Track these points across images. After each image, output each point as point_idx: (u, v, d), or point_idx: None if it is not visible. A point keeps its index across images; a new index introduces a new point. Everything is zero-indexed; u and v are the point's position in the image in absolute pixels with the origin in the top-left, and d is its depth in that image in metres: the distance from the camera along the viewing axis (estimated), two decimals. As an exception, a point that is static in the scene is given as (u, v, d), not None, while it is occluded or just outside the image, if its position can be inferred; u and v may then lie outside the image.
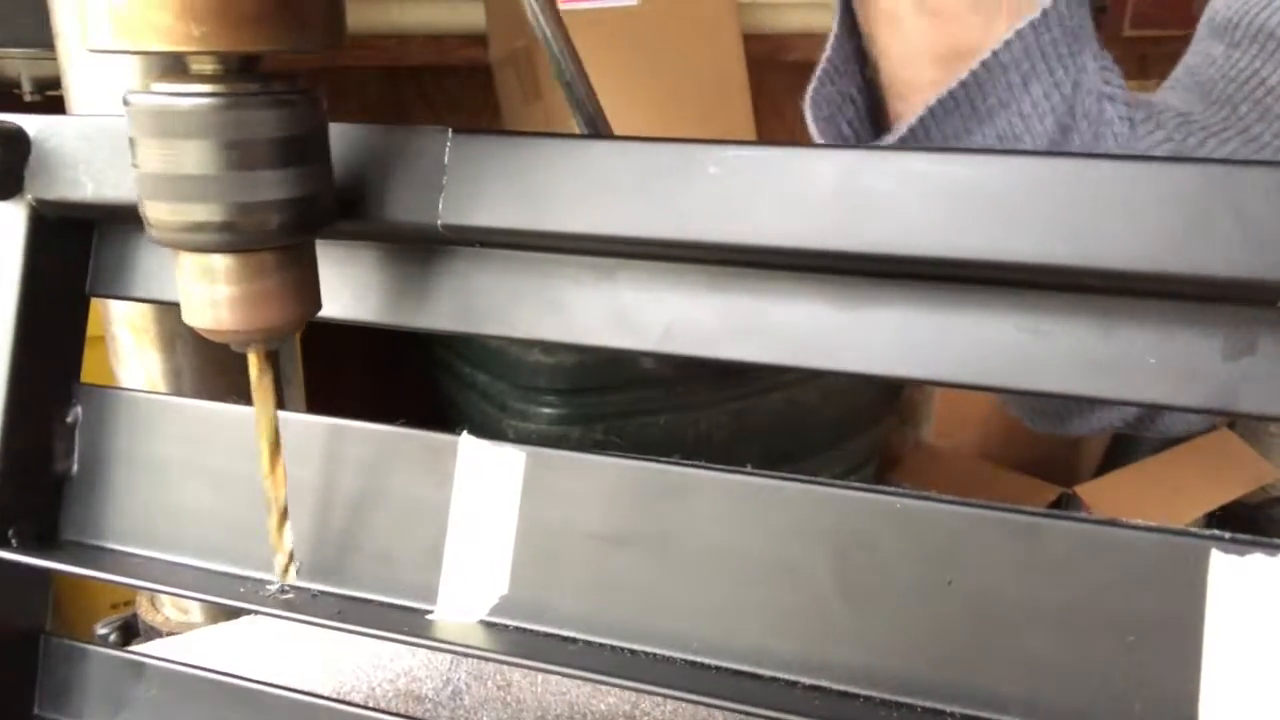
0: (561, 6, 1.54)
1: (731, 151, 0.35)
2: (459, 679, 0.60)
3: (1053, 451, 2.18)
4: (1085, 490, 1.95)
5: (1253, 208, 0.29)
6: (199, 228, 0.35)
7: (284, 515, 0.42)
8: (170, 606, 0.90)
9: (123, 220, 0.46)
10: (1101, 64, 0.55)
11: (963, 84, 0.51)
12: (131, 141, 0.35)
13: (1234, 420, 2.13)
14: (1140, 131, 0.58)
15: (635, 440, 1.45)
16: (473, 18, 1.73)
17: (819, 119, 0.57)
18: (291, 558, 0.43)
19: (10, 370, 0.46)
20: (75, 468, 0.49)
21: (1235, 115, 0.59)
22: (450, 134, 0.38)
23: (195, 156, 0.34)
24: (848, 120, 0.58)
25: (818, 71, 0.57)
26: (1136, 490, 1.96)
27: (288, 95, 0.35)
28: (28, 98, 1.24)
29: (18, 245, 0.46)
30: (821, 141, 0.57)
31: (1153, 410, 0.65)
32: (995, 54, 0.50)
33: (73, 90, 0.76)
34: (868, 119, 0.59)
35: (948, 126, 0.52)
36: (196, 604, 0.87)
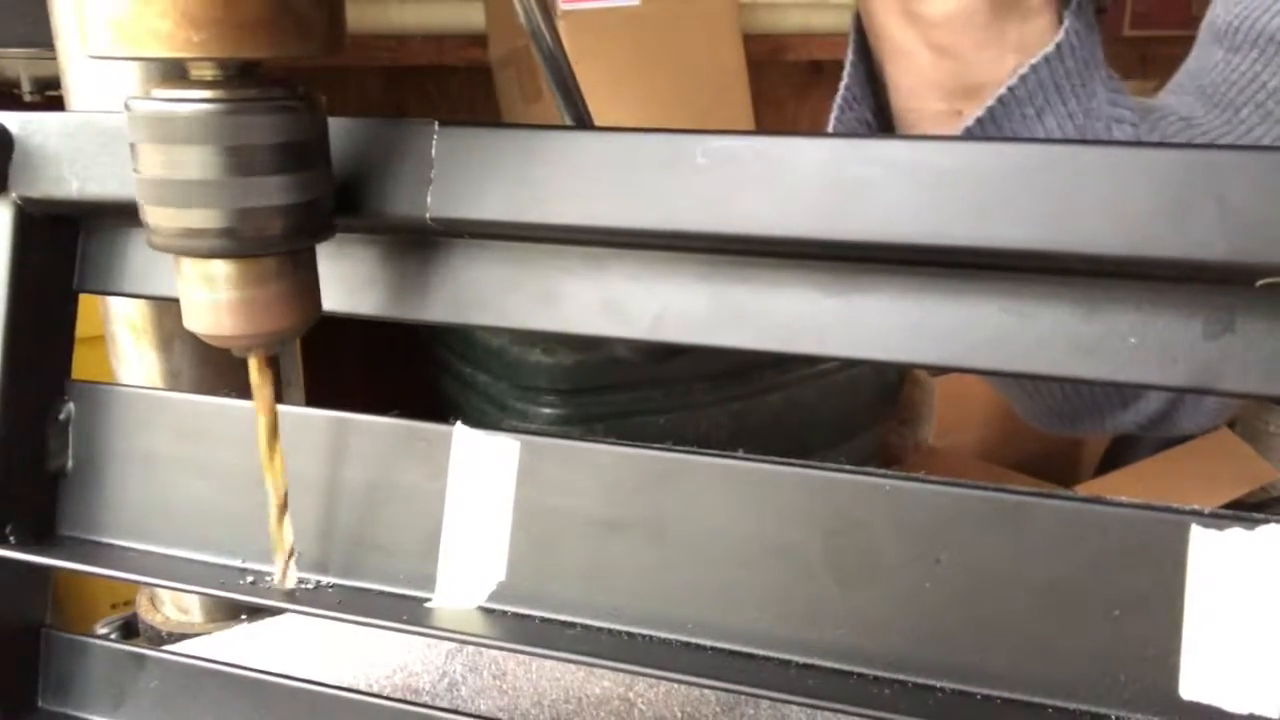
0: (562, 6, 1.56)
1: (719, 141, 0.35)
2: (455, 671, 0.61)
3: (1053, 452, 2.18)
4: (1085, 490, 1.95)
5: (1232, 191, 0.30)
6: (200, 233, 0.35)
7: (283, 509, 0.43)
8: (170, 606, 0.90)
9: (108, 216, 0.47)
10: (1109, 87, 0.55)
11: (979, 120, 0.51)
12: (132, 147, 0.35)
13: (1234, 420, 2.13)
14: None
15: (635, 441, 1.45)
16: (473, 18, 1.74)
17: None
18: (291, 553, 0.44)
19: (0, 368, 0.46)
20: (70, 464, 0.49)
21: (1237, 119, 0.60)
22: (437, 126, 0.39)
23: (196, 162, 0.34)
24: None
25: (837, 100, 0.58)
26: (1136, 490, 1.96)
27: (288, 101, 0.35)
28: (27, 98, 1.25)
29: (4, 243, 0.46)
30: None
31: (1165, 413, 0.65)
32: (1011, 89, 0.50)
33: (72, 90, 0.76)
34: None
35: None
36: (196, 602, 0.87)
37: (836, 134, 0.54)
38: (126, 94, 0.35)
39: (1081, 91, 0.52)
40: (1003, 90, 0.50)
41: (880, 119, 0.59)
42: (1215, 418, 0.66)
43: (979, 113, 0.51)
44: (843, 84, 0.57)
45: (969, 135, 0.51)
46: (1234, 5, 0.61)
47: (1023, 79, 0.50)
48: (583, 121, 0.49)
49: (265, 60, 0.35)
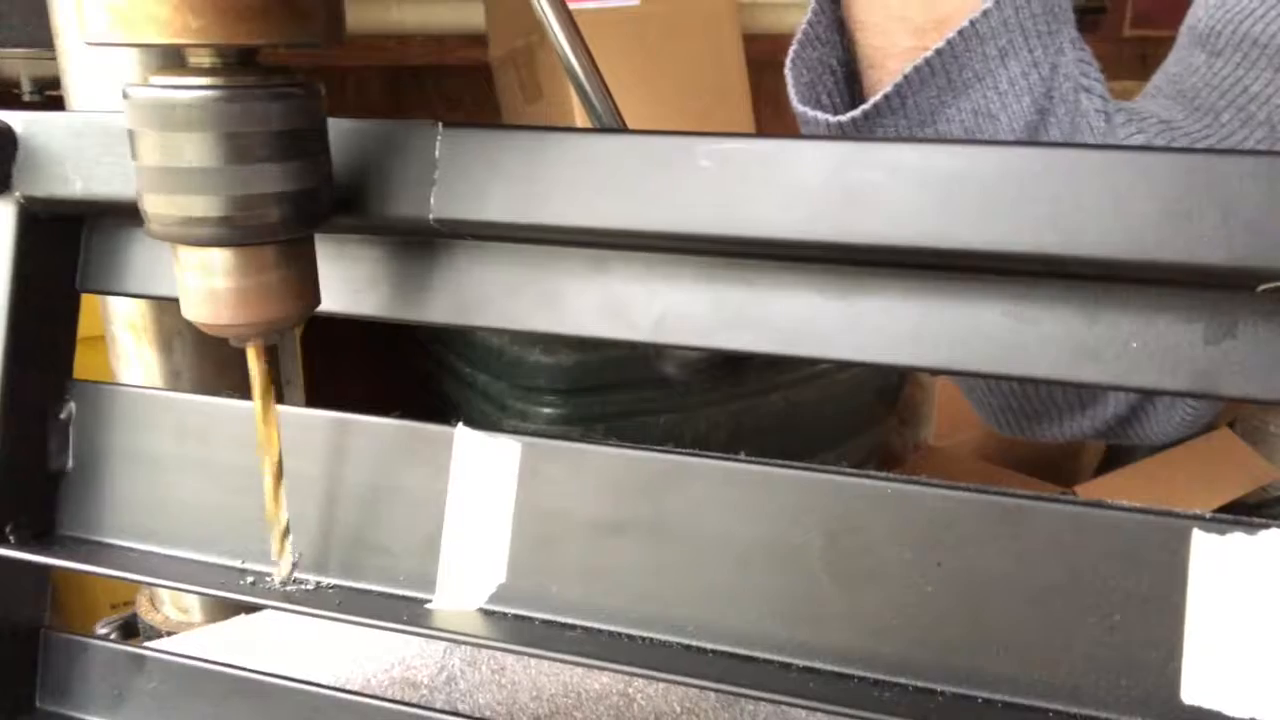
0: (562, 7, 1.56)
1: (723, 144, 0.35)
2: (454, 665, 0.61)
3: (1053, 452, 2.18)
4: (1085, 490, 1.95)
5: (1235, 196, 0.30)
6: (198, 222, 0.35)
7: (286, 533, 0.43)
8: (170, 605, 0.90)
9: (112, 215, 0.46)
10: (1079, 54, 0.55)
11: (939, 52, 0.50)
12: (130, 134, 0.35)
13: (1234, 420, 2.13)
14: (1120, 133, 0.59)
15: (635, 441, 1.45)
16: (473, 18, 1.73)
17: (799, 84, 0.57)
18: (293, 570, 0.44)
19: (2, 367, 0.46)
20: (71, 464, 0.49)
21: (1218, 123, 0.60)
22: (441, 128, 0.39)
23: (194, 149, 0.34)
24: (826, 91, 0.58)
25: (798, 35, 0.57)
26: (1136, 490, 1.97)
27: (287, 88, 0.35)
28: (27, 97, 1.25)
29: (7, 242, 0.45)
30: (799, 108, 0.56)
31: (1125, 418, 0.65)
32: (973, 23, 0.50)
33: (71, 90, 0.76)
34: (846, 90, 0.58)
35: (923, 97, 0.52)
36: (196, 602, 0.87)
37: (840, 137, 0.54)
38: (125, 83, 0.35)
39: (1049, 41, 0.51)
40: (965, 24, 0.50)
41: (844, 67, 0.58)
42: (1188, 428, 0.66)
43: (940, 44, 0.50)
44: (805, 19, 0.56)
45: (929, 66, 0.50)
46: (1215, 9, 0.61)
47: (986, 13, 0.49)
48: (601, 119, 0.49)
49: (264, 47, 0.34)
